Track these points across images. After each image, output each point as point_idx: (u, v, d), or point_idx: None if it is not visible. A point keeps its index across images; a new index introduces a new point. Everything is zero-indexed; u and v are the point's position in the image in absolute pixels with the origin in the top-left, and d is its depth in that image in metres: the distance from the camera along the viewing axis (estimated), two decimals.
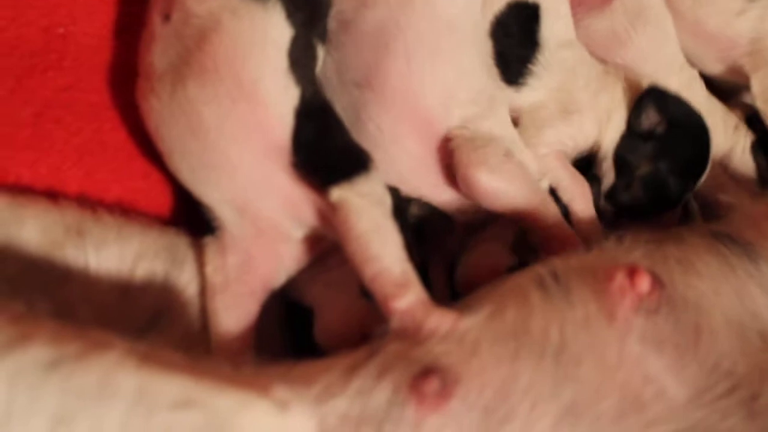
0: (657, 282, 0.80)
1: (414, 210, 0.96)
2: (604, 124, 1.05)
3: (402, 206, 0.93)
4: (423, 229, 0.99)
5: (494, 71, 1.03)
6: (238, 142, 0.82)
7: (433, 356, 0.75)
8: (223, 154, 0.82)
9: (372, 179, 0.85)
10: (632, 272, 0.79)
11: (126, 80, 0.90)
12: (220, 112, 0.81)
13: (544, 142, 1.02)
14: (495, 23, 1.03)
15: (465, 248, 1.00)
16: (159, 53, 0.85)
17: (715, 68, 1.17)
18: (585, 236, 0.98)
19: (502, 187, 0.92)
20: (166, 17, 0.86)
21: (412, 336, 0.76)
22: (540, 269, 0.83)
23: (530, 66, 1.04)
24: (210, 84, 0.81)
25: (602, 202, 1.06)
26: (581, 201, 1.02)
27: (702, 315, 0.81)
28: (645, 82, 1.06)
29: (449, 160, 0.93)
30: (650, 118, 1.04)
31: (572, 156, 1.05)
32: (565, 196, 1.02)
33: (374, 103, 0.93)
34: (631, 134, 1.05)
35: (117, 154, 0.91)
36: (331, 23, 0.94)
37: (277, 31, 0.85)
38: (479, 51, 0.99)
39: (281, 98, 0.83)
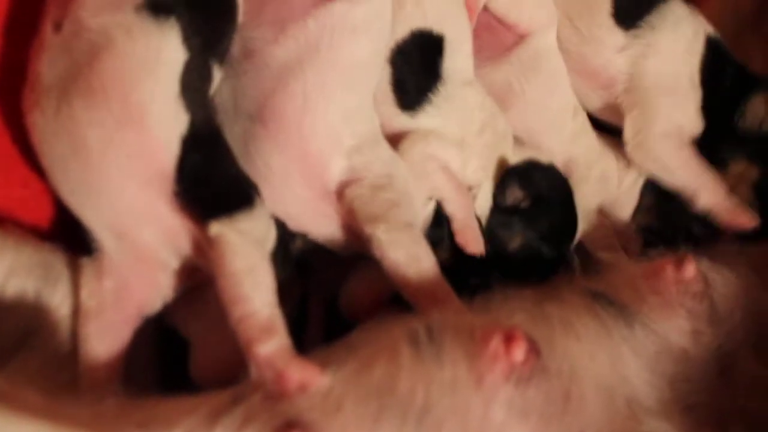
0: (533, 350, 0.80)
1: (298, 243, 0.96)
2: (480, 184, 1.07)
3: (286, 239, 0.93)
4: (306, 262, 0.98)
5: (389, 97, 1.03)
6: (120, 167, 0.80)
7: (297, 410, 0.74)
8: (105, 179, 0.80)
9: (255, 216, 0.85)
10: (509, 338, 0.79)
11: (15, 83, 0.86)
12: (104, 135, 0.79)
13: (432, 156, 1.03)
14: (396, 50, 1.03)
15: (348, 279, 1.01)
16: (47, 64, 0.82)
17: (598, 107, 1.19)
18: (466, 243, 1.00)
19: (393, 254, 0.91)
20: (58, 26, 0.83)
21: (273, 385, 0.75)
22: (416, 323, 0.83)
23: (430, 95, 1.04)
24: (96, 105, 0.79)
25: None
26: (463, 211, 1.02)
27: (574, 382, 0.82)
28: (511, 158, 1.09)
29: (345, 212, 0.94)
30: (514, 195, 1.07)
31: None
32: (449, 207, 1.02)
33: (265, 140, 0.92)
34: (497, 208, 1.08)
35: None
36: (236, 48, 0.92)
37: (171, 54, 0.83)
38: (372, 90, 0.99)
39: (169, 125, 0.82)
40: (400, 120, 1.04)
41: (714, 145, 1.15)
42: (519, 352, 0.79)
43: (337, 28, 0.94)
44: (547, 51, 1.16)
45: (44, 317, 0.85)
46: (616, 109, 1.18)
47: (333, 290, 1.02)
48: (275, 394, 0.75)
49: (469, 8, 1.10)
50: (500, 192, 1.07)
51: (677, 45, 1.15)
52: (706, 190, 1.12)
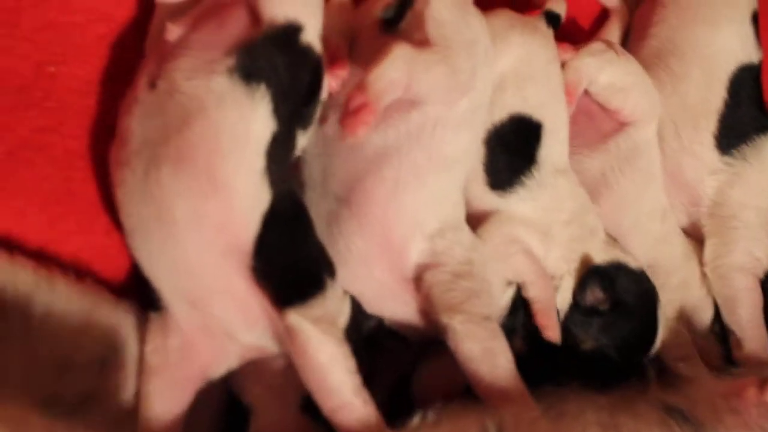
0: None
1: (371, 324, 0.94)
2: (562, 276, 1.04)
3: (359, 319, 0.91)
4: (377, 341, 0.97)
5: (480, 177, 1.02)
6: (202, 239, 0.79)
7: None
8: (185, 249, 0.79)
9: (327, 297, 0.84)
10: None
11: (107, 131, 0.87)
12: (189, 206, 0.79)
13: (515, 239, 1.00)
14: (493, 132, 1.02)
15: (418, 364, 0.99)
16: (139, 119, 0.82)
17: (682, 219, 1.17)
18: (544, 327, 0.98)
19: (468, 347, 0.89)
20: (153, 84, 0.83)
21: None
22: (488, 420, 0.81)
23: (524, 178, 1.02)
24: (185, 176, 0.79)
25: None
26: (544, 296, 0.99)
27: None
28: (598, 256, 1.05)
29: (423, 298, 0.92)
30: (595, 296, 1.04)
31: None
32: (530, 291, 0.99)
33: (349, 221, 0.91)
34: (576, 307, 1.04)
35: (83, 206, 0.89)
36: (332, 128, 0.92)
37: (260, 126, 0.82)
38: (464, 176, 0.98)
39: (251, 201, 0.81)
40: (489, 199, 1.02)
41: None
42: None
43: (440, 122, 0.93)
44: (646, 144, 1.13)
45: (110, 378, 0.84)
46: (697, 228, 1.16)
47: (401, 374, 1.00)
48: None
49: (568, 93, 1.08)
50: (581, 290, 1.04)
51: (761, 178, 1.13)
52: (752, 341, 1.11)
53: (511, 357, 0.90)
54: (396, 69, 0.85)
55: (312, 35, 0.87)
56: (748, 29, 1.16)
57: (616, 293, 1.03)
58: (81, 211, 0.89)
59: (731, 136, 1.13)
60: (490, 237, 1.00)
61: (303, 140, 0.90)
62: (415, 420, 0.85)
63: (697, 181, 1.14)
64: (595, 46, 1.12)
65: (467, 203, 1.01)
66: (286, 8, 0.85)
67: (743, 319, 1.11)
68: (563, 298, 1.03)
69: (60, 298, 0.83)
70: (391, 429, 0.84)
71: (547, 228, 1.03)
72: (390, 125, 0.91)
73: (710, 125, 1.14)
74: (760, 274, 1.12)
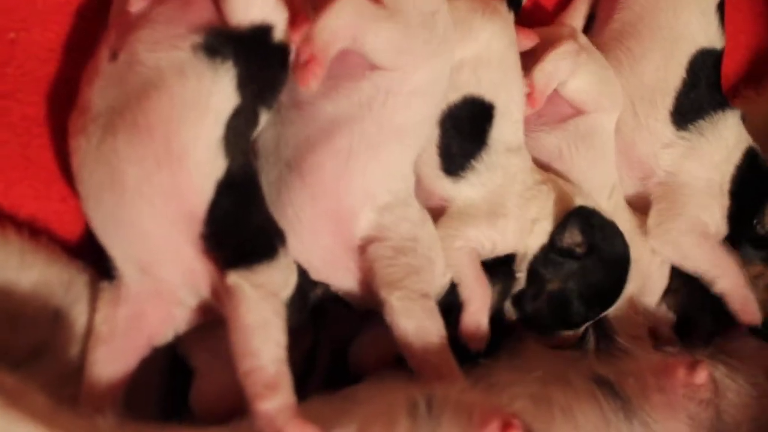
0: None
1: (318, 292, 0.97)
2: (527, 234, 1.06)
3: (306, 288, 0.94)
4: (323, 310, 1.00)
5: (434, 160, 1.04)
6: (153, 205, 0.81)
7: None
8: (137, 215, 0.82)
9: (274, 267, 0.86)
10: (506, 426, 0.80)
11: (67, 100, 0.89)
12: (142, 173, 0.81)
13: (463, 236, 1.02)
14: (447, 114, 1.03)
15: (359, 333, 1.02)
16: (99, 91, 0.84)
17: (629, 192, 1.20)
18: (469, 337, 0.99)
19: (403, 323, 0.92)
20: (114, 55, 0.85)
21: None
22: (417, 392, 0.84)
23: (473, 162, 1.04)
24: (139, 143, 0.81)
25: (507, 303, 1.07)
26: (477, 303, 1.01)
27: None
28: (578, 199, 1.07)
29: (366, 269, 0.95)
30: (573, 238, 1.05)
31: (486, 257, 1.04)
32: (464, 293, 1.01)
33: (300, 190, 0.93)
34: (551, 248, 1.06)
35: (39, 173, 0.91)
36: (285, 96, 0.93)
37: (221, 99, 0.84)
38: (416, 152, 1.00)
39: (207, 169, 0.83)
40: (442, 184, 1.05)
41: (733, 247, 1.16)
42: None
43: (392, 92, 0.95)
44: (603, 129, 1.16)
45: (60, 334, 0.87)
46: (645, 198, 1.19)
47: (344, 340, 1.03)
48: None
49: (532, 99, 1.10)
50: (560, 231, 1.05)
51: (718, 154, 1.16)
52: (725, 276, 1.14)
53: (444, 335, 0.93)
54: (342, 17, 0.87)
55: (281, 30, 0.89)
56: (712, 17, 1.19)
57: (594, 238, 1.05)
58: (37, 177, 0.91)
59: (688, 112, 1.17)
60: (440, 229, 1.02)
61: (265, 117, 0.92)
62: (346, 391, 0.88)
63: (650, 155, 1.17)
64: (567, 47, 1.13)
65: (422, 190, 1.04)
66: (252, 13, 0.86)
67: (704, 264, 1.14)
68: (536, 241, 1.06)
69: (13, 254, 0.85)
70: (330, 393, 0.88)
71: (500, 207, 1.05)
72: (342, 94, 0.93)
73: (667, 102, 1.17)
74: (708, 236, 1.15)
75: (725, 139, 1.16)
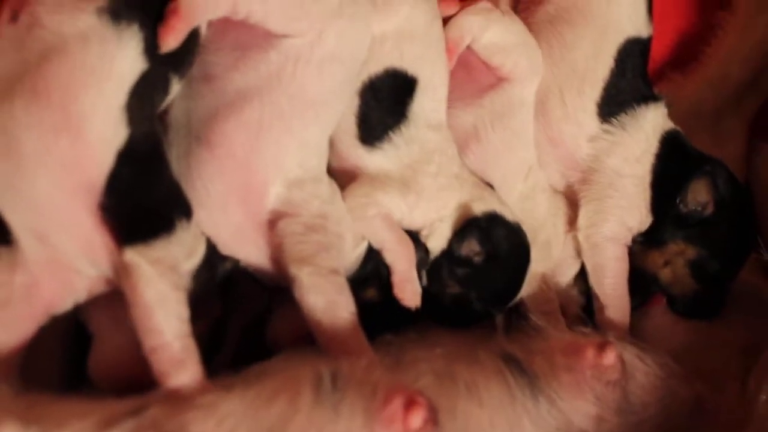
0: (432, 420, 0.81)
1: (227, 265, 0.95)
2: (432, 225, 1.05)
3: (214, 260, 0.92)
4: (232, 284, 0.98)
5: (351, 129, 1.02)
6: (50, 174, 0.79)
7: None
8: (32, 184, 0.79)
9: (173, 241, 0.84)
10: (410, 403, 0.79)
11: None
12: (39, 141, 0.78)
13: (375, 202, 1.01)
14: (368, 84, 1.02)
15: (273, 308, 1.01)
16: None
17: (558, 183, 1.19)
18: (404, 298, 0.99)
19: (312, 299, 0.91)
20: (14, 17, 0.81)
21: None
22: (324, 367, 0.83)
23: (391, 134, 1.03)
24: (37, 109, 0.78)
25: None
26: (403, 263, 1.01)
27: None
28: (480, 205, 1.06)
29: (275, 245, 0.93)
30: (471, 248, 1.05)
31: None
32: (389, 257, 1.01)
33: (208, 163, 0.91)
34: (450, 254, 1.05)
35: None
36: (196, 70, 0.91)
37: (125, 65, 0.82)
38: (331, 126, 0.98)
39: (107, 137, 0.80)
40: (357, 152, 1.03)
41: (655, 226, 1.15)
42: (416, 419, 0.79)
43: (301, 61, 0.93)
44: (521, 104, 1.14)
45: None
46: (571, 191, 1.18)
47: (256, 316, 1.02)
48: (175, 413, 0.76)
49: (449, 50, 1.09)
50: (458, 240, 1.05)
51: (638, 147, 1.15)
52: (614, 310, 1.13)
53: (354, 311, 0.92)
54: None
55: None
56: (641, 5, 1.18)
57: (492, 247, 1.05)
58: None
59: (612, 104, 1.15)
60: (350, 198, 1.01)
61: (177, 87, 0.89)
62: (257, 367, 0.87)
63: (575, 147, 1.16)
64: (481, 4, 1.13)
65: (336, 155, 1.03)
66: None
67: (608, 287, 1.14)
68: (436, 244, 1.05)
69: None
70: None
71: (413, 182, 1.04)
72: (250, 66, 0.92)
73: (594, 93, 1.15)
74: (629, 242, 1.15)
75: (645, 131, 1.15)
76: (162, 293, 0.81)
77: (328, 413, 0.79)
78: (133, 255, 0.81)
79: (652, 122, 1.15)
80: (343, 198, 1.00)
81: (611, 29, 1.16)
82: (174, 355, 0.79)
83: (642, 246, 1.16)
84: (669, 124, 1.17)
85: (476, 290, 1.05)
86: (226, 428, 0.77)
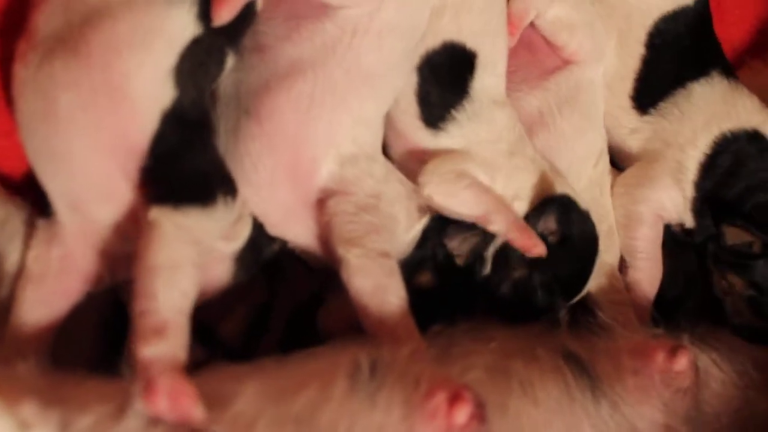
0: (478, 416, 0.75)
1: (275, 248, 0.92)
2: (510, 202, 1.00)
3: (260, 242, 0.90)
4: (281, 268, 0.96)
5: (413, 108, 0.98)
6: (87, 135, 0.77)
7: (207, 421, 0.71)
8: (68, 145, 0.77)
9: (208, 216, 0.81)
10: (455, 397, 0.74)
11: (16, 33, 0.84)
12: (76, 100, 0.77)
13: (462, 174, 0.97)
14: (426, 60, 0.98)
15: (323, 290, 0.97)
16: (44, 18, 0.80)
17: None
18: (529, 250, 0.96)
19: (359, 282, 0.87)
20: None
21: (141, 388, 0.71)
22: (363, 354, 0.79)
23: (454, 112, 0.99)
24: (76, 69, 0.77)
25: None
26: (512, 218, 0.97)
27: None
28: (558, 187, 1.01)
29: (324, 225, 0.90)
30: (547, 225, 1.00)
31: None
32: (496, 220, 0.96)
33: (257, 139, 0.89)
34: None
35: None
36: (247, 41, 0.88)
37: (176, 27, 0.80)
38: (388, 101, 0.95)
39: (152, 97, 0.79)
40: (421, 135, 0.99)
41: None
42: (461, 414, 0.74)
43: (359, 32, 0.89)
44: (589, 86, 1.10)
45: None
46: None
47: (305, 302, 0.98)
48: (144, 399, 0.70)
49: (511, 24, 1.04)
50: (535, 216, 1.00)
51: (681, 135, 1.09)
52: (642, 270, 1.09)
53: (404, 296, 0.88)
54: None
55: None
56: None
57: (568, 229, 1.00)
58: None
59: (648, 94, 1.11)
60: (435, 176, 0.96)
61: (231, 60, 0.87)
62: (300, 353, 0.82)
63: (619, 142, 1.13)
64: None
65: (399, 139, 0.99)
66: None
67: (637, 247, 1.09)
68: None
69: None
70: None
71: (490, 160, 0.99)
72: (304, 37, 0.89)
73: (626, 86, 1.11)
74: (665, 216, 1.10)
75: (690, 119, 1.08)
76: (173, 260, 0.77)
77: (363, 403, 0.75)
78: (157, 213, 0.78)
79: (701, 107, 1.09)
80: (425, 181, 0.96)
81: (637, 13, 1.11)
82: (158, 324, 0.73)
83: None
84: (737, 121, 1.08)
85: (543, 274, 1.00)
86: (246, 417, 0.72)
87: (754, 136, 1.08)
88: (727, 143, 1.07)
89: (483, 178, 0.98)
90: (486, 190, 0.97)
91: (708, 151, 1.07)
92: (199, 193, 0.81)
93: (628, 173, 1.12)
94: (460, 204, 0.96)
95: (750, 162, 1.07)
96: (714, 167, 1.07)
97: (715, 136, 1.07)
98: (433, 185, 0.96)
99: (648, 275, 1.09)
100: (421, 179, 0.97)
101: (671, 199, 1.08)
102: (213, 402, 0.72)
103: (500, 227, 0.96)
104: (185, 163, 0.81)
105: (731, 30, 1.12)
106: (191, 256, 0.79)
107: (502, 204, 0.97)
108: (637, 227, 1.09)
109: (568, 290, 1.03)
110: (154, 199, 0.78)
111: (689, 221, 1.09)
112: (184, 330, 0.75)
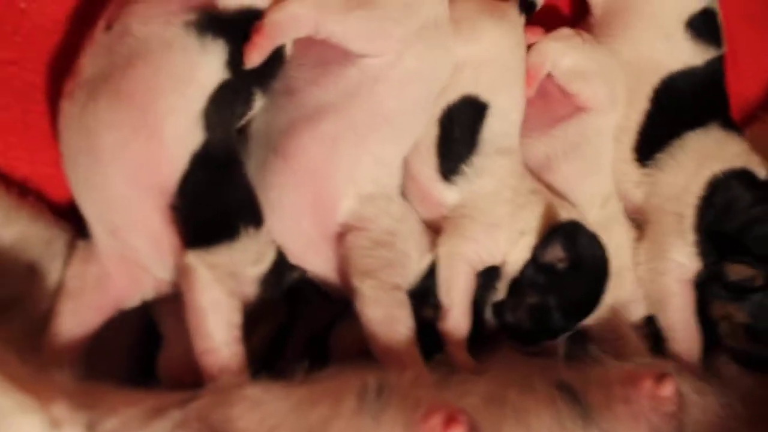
0: None
1: (295, 275, 0.99)
2: (513, 245, 1.05)
3: (283, 267, 0.96)
4: (301, 293, 1.02)
5: (432, 159, 1.04)
6: (126, 172, 0.85)
7: (231, 427, 0.79)
8: (108, 181, 0.85)
9: (236, 248, 0.89)
10: (450, 419, 0.80)
11: (68, 70, 0.92)
12: (118, 139, 0.84)
13: (463, 256, 1.03)
14: (446, 112, 1.04)
15: (338, 317, 1.03)
16: (90, 58, 0.88)
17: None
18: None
19: (371, 311, 0.94)
20: (109, 26, 0.89)
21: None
22: (371, 377, 0.85)
23: (463, 166, 1.04)
24: (119, 109, 0.84)
25: (488, 312, 1.06)
26: (457, 329, 1.02)
27: None
28: (563, 213, 1.06)
29: (342, 257, 0.96)
30: (555, 254, 1.04)
31: (477, 269, 1.05)
32: (446, 300, 1.02)
33: (283, 174, 0.95)
34: (534, 264, 1.04)
35: (37, 137, 0.96)
36: (278, 83, 0.95)
37: (206, 73, 0.87)
38: (407, 146, 1.01)
39: (182, 137, 0.86)
40: (437, 188, 1.05)
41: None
42: None
43: (380, 78, 0.96)
44: (596, 134, 1.14)
45: (34, 288, 0.91)
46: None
47: (323, 327, 1.05)
48: (222, 404, 0.80)
49: (529, 76, 1.10)
50: (543, 246, 1.04)
51: (676, 185, 1.12)
52: (683, 342, 1.11)
53: (411, 326, 0.95)
54: (302, 5, 0.90)
55: None
56: (680, 36, 1.15)
57: (576, 253, 1.04)
58: (33, 141, 0.96)
59: (647, 146, 1.14)
60: (441, 250, 1.03)
61: (260, 101, 0.94)
62: (299, 373, 0.89)
63: (625, 193, 1.16)
64: (562, 31, 1.14)
65: (417, 191, 1.05)
66: None
67: (673, 321, 1.12)
68: (519, 256, 1.04)
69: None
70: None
71: (490, 214, 1.04)
72: (330, 81, 0.96)
73: (630, 139, 1.14)
74: (689, 276, 1.12)
75: (683, 167, 1.12)
76: (216, 299, 0.86)
77: (369, 422, 0.81)
78: (193, 258, 0.86)
79: (692, 155, 1.12)
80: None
81: (647, 70, 1.15)
82: (222, 362, 0.84)
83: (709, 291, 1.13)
84: (726, 162, 1.11)
85: (557, 298, 1.04)
86: (268, 425, 0.79)
87: (743, 173, 1.11)
88: (719, 183, 1.10)
89: (489, 243, 1.04)
90: (467, 290, 1.03)
91: (702, 194, 1.11)
92: (225, 230, 0.89)
93: (641, 251, 1.15)
94: (448, 279, 1.02)
95: (743, 197, 1.10)
96: (709, 207, 1.10)
97: (708, 178, 1.10)
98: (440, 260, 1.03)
99: (688, 347, 1.11)
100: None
101: (686, 256, 1.12)
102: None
103: (447, 326, 1.02)
104: (212, 201, 0.89)
105: (747, 84, 1.14)
106: (229, 288, 0.87)
107: (464, 311, 1.02)
108: (669, 300, 1.12)
109: (583, 311, 1.07)
110: (188, 242, 0.86)
111: (698, 265, 1.12)
112: (243, 356, 0.86)
